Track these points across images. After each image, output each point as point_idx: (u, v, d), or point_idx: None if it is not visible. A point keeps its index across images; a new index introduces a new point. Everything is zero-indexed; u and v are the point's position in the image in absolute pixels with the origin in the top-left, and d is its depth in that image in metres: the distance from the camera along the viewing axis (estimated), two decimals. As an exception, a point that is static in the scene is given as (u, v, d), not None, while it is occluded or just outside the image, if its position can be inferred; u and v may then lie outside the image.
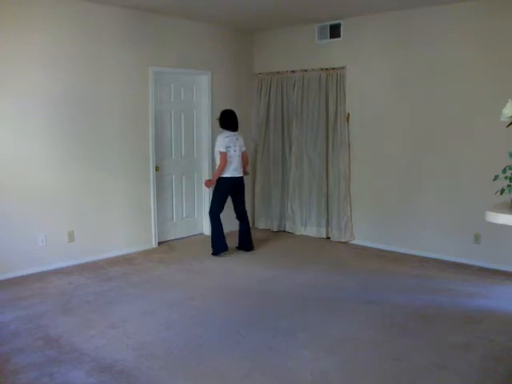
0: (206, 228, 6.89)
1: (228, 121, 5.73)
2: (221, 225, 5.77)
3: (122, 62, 5.73)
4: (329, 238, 6.65)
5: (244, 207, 5.97)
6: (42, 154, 5.16)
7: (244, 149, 5.84)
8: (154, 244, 6.17)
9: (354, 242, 6.44)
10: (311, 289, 4.76)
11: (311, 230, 6.80)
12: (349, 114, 6.33)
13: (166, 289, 4.73)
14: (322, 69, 6.48)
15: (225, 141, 5.60)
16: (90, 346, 3.49)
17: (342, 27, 6.29)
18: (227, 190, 5.74)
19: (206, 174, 6.76)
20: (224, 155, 5.56)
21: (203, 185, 6.36)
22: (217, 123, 6.77)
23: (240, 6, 5.64)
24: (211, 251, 5.83)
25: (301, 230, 6.90)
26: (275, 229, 7.09)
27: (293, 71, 6.78)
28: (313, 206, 6.74)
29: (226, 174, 5.65)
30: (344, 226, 6.45)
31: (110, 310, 4.17)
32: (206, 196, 6.83)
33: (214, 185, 5.74)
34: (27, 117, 5.02)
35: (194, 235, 6.81)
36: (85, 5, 5.33)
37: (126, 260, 5.65)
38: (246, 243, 6.00)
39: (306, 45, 6.66)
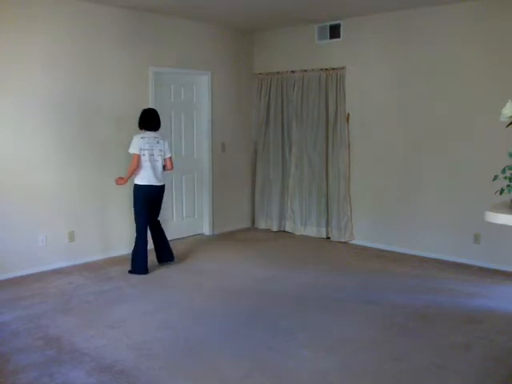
0: (206, 228, 6.90)
1: (145, 120, 5.16)
2: (146, 242, 5.19)
3: (121, 62, 5.73)
4: (329, 238, 6.65)
5: (157, 217, 5.40)
6: (42, 153, 5.16)
7: (169, 155, 5.26)
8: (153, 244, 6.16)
9: (353, 241, 6.44)
10: (311, 289, 4.76)
11: (311, 230, 6.80)
12: (349, 114, 6.33)
13: (165, 289, 4.73)
14: (321, 69, 6.48)
15: (139, 142, 5.05)
16: (89, 346, 3.49)
17: (341, 27, 6.29)
18: (145, 199, 5.13)
19: (207, 174, 6.76)
20: (136, 157, 5.02)
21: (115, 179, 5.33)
22: (218, 124, 6.81)
23: (240, 6, 5.64)
24: (129, 268, 5.24)
25: (301, 230, 6.90)
26: (275, 229, 7.09)
27: (293, 71, 6.78)
28: (313, 206, 6.74)
29: (142, 182, 5.09)
30: (344, 226, 6.45)
31: (109, 310, 4.17)
32: (206, 196, 6.83)
33: (134, 192, 5.16)
34: (27, 117, 5.02)
35: (194, 235, 6.81)
36: (85, 5, 5.33)
37: (125, 260, 5.63)
38: (167, 252, 5.43)
39: (305, 45, 6.66)
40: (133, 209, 5.21)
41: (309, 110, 6.65)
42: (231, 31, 6.89)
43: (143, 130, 5.21)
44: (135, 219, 5.21)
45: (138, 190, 5.13)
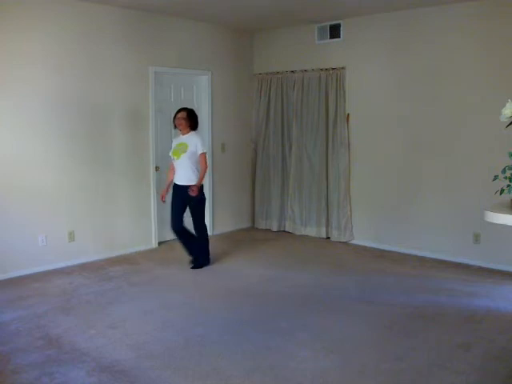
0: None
1: (197, 120, 5.26)
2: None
3: (122, 61, 5.73)
4: (329, 237, 6.65)
5: None
6: (42, 153, 5.16)
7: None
8: (154, 244, 6.17)
9: (353, 242, 6.44)
10: (311, 289, 4.76)
11: (311, 230, 6.79)
12: (349, 115, 6.33)
13: (166, 289, 4.74)
14: (321, 69, 6.48)
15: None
16: (90, 346, 3.50)
17: (341, 27, 6.29)
18: None
19: (207, 174, 6.68)
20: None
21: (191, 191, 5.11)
22: (218, 124, 6.81)
23: (240, 6, 5.64)
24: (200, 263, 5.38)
25: (301, 230, 6.90)
26: (275, 229, 7.09)
27: (293, 71, 6.78)
28: (313, 206, 6.74)
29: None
30: (344, 226, 6.45)
31: (110, 310, 4.18)
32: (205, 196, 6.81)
33: (198, 193, 5.12)
34: (27, 117, 5.02)
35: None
36: (85, 5, 5.33)
37: (126, 260, 5.65)
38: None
39: (305, 45, 6.67)
40: (200, 210, 5.23)
41: (309, 110, 6.65)
42: (231, 31, 6.89)
43: (193, 131, 5.19)
44: (202, 217, 5.27)
45: (202, 188, 5.26)
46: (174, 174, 5.27)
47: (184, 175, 5.13)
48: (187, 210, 5.26)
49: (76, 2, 5.27)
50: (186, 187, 5.09)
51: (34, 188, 5.12)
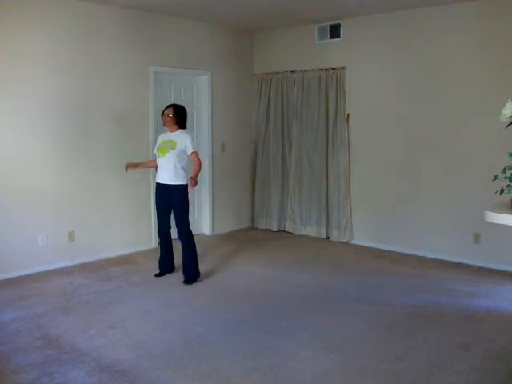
0: (206, 228, 6.90)
1: (186, 118, 5.01)
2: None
3: (122, 61, 5.73)
4: (329, 237, 6.65)
5: None
6: (42, 153, 5.16)
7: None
8: (154, 244, 6.17)
9: (353, 242, 6.44)
10: (311, 289, 4.75)
11: (311, 230, 6.79)
12: (349, 115, 6.33)
13: (166, 289, 4.73)
14: (321, 69, 6.49)
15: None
16: (90, 346, 3.50)
17: (341, 27, 6.30)
18: None
19: (207, 174, 6.74)
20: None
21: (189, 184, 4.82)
22: (218, 124, 6.81)
23: (240, 6, 5.64)
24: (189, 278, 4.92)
25: (301, 230, 6.90)
26: (275, 229, 7.09)
27: (292, 71, 6.78)
28: (313, 206, 6.74)
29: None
30: (344, 226, 6.45)
31: (110, 310, 4.18)
32: (206, 196, 6.83)
33: (185, 193, 4.85)
34: (27, 117, 5.02)
35: (194, 235, 6.76)
36: (85, 5, 5.33)
37: (125, 260, 5.65)
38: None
39: (305, 45, 6.67)
40: (184, 211, 4.83)
41: (309, 110, 6.66)
42: (231, 31, 6.89)
43: (182, 129, 4.94)
44: (186, 220, 4.85)
45: (187, 188, 4.84)
46: (151, 165, 5.17)
47: (168, 174, 4.80)
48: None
49: (76, 2, 5.27)
50: (169, 186, 4.81)
51: (34, 188, 5.12)
